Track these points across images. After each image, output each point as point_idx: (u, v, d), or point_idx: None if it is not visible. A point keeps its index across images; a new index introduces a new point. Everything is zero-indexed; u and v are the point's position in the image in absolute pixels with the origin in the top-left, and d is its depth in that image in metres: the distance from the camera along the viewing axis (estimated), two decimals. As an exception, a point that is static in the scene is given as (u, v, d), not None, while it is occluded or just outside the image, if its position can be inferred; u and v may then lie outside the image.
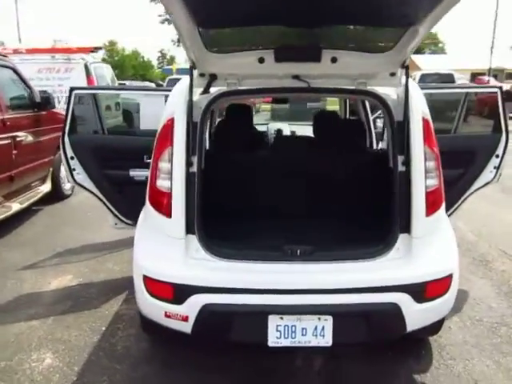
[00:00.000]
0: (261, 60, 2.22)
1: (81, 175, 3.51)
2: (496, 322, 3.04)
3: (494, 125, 3.40)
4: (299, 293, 2.15)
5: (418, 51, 60.93)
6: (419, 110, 2.22)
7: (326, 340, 2.17)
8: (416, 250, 2.22)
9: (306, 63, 2.22)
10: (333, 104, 7.50)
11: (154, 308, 2.28)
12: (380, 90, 2.29)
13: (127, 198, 3.60)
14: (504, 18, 77.91)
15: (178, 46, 46.10)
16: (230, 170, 2.60)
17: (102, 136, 3.73)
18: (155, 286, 2.25)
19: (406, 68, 2.17)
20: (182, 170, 2.20)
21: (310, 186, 2.70)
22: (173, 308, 2.21)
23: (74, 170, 3.49)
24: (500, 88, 3.28)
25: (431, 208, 2.23)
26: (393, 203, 2.25)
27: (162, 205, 2.26)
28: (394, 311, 2.15)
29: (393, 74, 2.26)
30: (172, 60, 60.53)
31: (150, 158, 3.51)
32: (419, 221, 2.21)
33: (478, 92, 7.38)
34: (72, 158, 3.46)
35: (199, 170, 2.23)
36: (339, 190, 2.71)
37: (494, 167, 3.44)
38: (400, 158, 2.23)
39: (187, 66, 2.22)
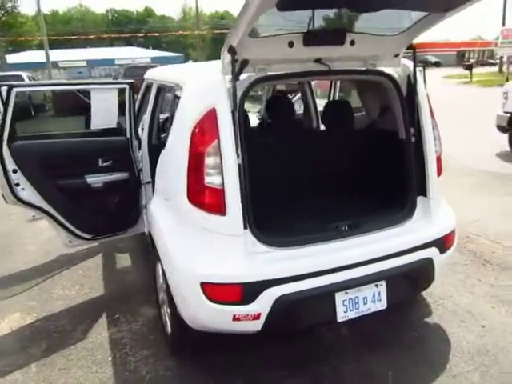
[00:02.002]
0: (290, 44, 2.19)
1: (26, 190, 2.95)
2: (452, 263, 3.63)
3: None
4: (357, 266, 2.26)
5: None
6: (422, 85, 2.51)
7: (382, 303, 2.34)
8: (433, 210, 2.53)
9: (329, 47, 2.28)
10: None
11: (220, 315, 2.11)
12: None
13: (84, 209, 3.17)
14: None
15: None
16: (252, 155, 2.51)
17: (49, 141, 3.14)
18: (220, 291, 2.08)
19: (414, 48, 2.42)
20: (234, 163, 2.06)
21: (326, 165, 2.79)
22: (243, 309, 2.08)
23: (18, 185, 2.90)
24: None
25: (439, 171, 2.57)
26: (409, 170, 2.51)
27: (214, 203, 2.08)
28: (430, 264, 2.43)
29: (397, 55, 2.49)
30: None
31: (106, 161, 3.15)
32: (433, 183, 2.52)
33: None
34: (15, 171, 2.88)
35: (245, 161, 2.12)
36: (351, 166, 2.87)
37: None
38: (411, 130, 2.50)
39: None
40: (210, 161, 2.06)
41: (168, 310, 2.55)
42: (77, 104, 3.52)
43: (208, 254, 2.13)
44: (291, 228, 2.38)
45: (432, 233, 2.47)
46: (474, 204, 4.88)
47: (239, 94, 2.14)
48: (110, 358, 2.62)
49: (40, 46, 28.51)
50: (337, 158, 2.83)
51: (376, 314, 2.35)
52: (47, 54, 21.97)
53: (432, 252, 2.44)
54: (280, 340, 2.61)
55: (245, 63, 2.15)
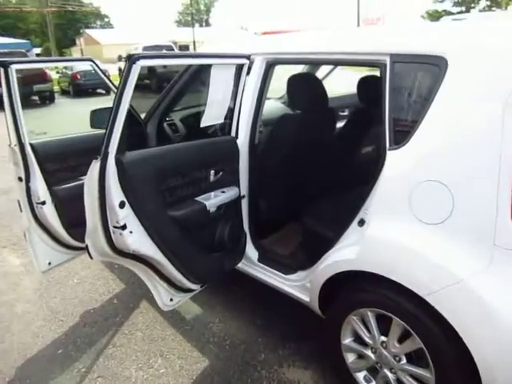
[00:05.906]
0: None
1: (136, 234, 1.88)
2: None
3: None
4: None
5: (87, 26, 59.65)
6: None
7: None
8: None
9: None
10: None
11: None
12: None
13: (198, 249, 2.29)
14: None
15: None
16: None
17: (161, 148, 2.15)
18: None
19: None
20: None
21: None
22: None
23: (124, 227, 1.84)
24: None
25: None
26: None
27: None
28: None
29: None
30: None
31: (218, 172, 2.28)
32: None
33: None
34: (122, 204, 1.81)
35: None
36: None
37: None
38: None
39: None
40: None
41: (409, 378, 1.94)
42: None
43: None
44: None
45: None
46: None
47: None
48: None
49: None
50: None
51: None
52: None
53: None
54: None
55: None
